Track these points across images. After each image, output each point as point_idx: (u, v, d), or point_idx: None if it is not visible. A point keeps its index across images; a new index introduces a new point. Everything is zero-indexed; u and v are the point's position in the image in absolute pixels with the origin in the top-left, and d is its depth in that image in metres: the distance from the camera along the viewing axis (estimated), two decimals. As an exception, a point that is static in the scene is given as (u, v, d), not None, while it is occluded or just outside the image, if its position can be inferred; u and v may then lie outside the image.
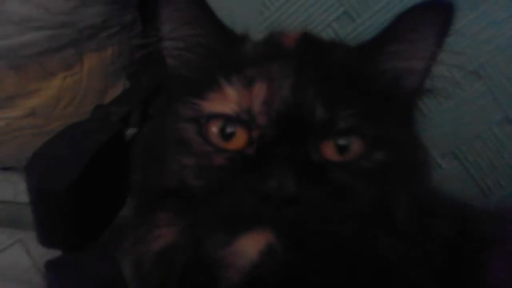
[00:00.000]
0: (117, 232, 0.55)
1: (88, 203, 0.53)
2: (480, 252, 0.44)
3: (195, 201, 0.40)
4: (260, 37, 0.47)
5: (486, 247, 0.44)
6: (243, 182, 0.38)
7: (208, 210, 0.39)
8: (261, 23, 0.65)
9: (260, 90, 0.40)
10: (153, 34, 0.45)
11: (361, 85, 0.41)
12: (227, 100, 0.40)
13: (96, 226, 0.56)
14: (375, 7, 0.64)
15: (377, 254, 0.40)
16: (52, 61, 0.85)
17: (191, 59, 0.45)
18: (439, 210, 0.45)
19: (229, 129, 0.40)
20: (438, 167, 0.68)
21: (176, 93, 0.44)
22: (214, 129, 0.41)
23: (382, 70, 0.44)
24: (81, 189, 0.51)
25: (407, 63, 0.44)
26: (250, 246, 0.38)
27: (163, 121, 0.45)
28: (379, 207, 0.40)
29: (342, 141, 0.40)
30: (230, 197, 0.38)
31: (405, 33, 0.43)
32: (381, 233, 0.40)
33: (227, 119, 0.40)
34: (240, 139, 0.40)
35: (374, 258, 0.40)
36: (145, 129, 0.49)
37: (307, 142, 0.39)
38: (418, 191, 0.43)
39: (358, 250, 0.39)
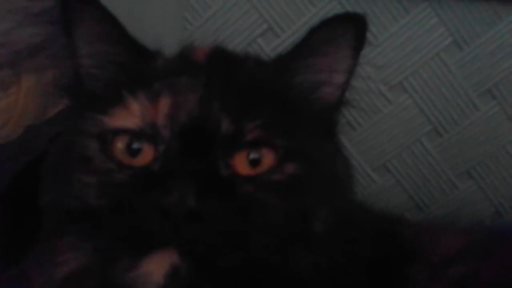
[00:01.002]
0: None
1: (9, 226, 0.51)
2: (406, 266, 0.44)
3: (99, 223, 0.38)
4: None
5: (413, 261, 0.44)
6: (145, 199, 0.36)
7: (113, 231, 0.38)
8: (184, 39, 0.63)
9: (164, 103, 0.39)
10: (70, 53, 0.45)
11: (272, 97, 0.41)
12: (131, 114, 0.39)
13: (18, 249, 0.53)
14: (299, 23, 0.63)
15: (290, 270, 0.39)
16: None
17: (98, 76, 0.44)
18: (363, 224, 0.44)
19: (135, 145, 0.39)
20: (371, 180, 0.68)
21: (81, 109, 0.43)
22: (119, 145, 0.40)
23: (297, 83, 0.43)
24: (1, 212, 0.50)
25: (321, 76, 0.44)
26: (155, 268, 0.37)
27: (69, 138, 0.43)
28: (294, 221, 0.39)
29: (253, 155, 0.39)
30: (133, 216, 0.37)
31: (319, 46, 0.43)
32: (296, 248, 0.39)
33: (133, 135, 0.39)
34: (146, 154, 0.39)
35: (287, 274, 0.39)
36: (53, 146, 0.47)
37: (215, 156, 0.38)
38: (340, 205, 0.42)
39: (269, 267, 0.38)
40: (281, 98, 0.42)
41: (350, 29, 0.43)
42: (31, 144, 0.61)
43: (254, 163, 0.39)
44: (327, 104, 0.45)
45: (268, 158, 0.39)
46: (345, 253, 0.41)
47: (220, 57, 0.45)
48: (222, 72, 0.42)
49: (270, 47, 0.64)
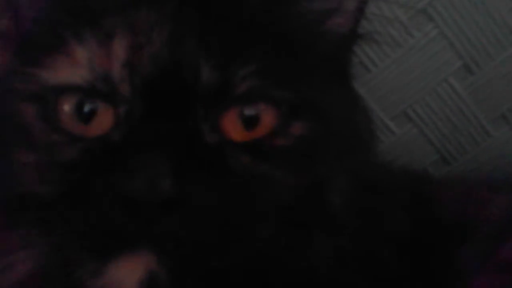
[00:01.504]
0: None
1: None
2: (452, 245, 0.37)
3: (51, 213, 0.31)
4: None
5: (460, 237, 0.37)
6: (103, 183, 0.29)
7: (67, 226, 0.30)
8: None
9: (120, 46, 0.31)
10: None
11: (268, 33, 0.33)
12: (75, 65, 0.31)
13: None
14: None
15: (306, 262, 0.32)
16: None
17: (35, 16, 0.35)
18: (389, 190, 0.38)
19: (87, 107, 0.31)
20: (388, 131, 0.59)
21: (14, 62, 0.35)
22: (66, 107, 0.32)
23: (300, 13, 0.36)
24: None
25: (331, 2, 0.36)
26: (126, 274, 0.29)
27: (2, 102, 0.35)
28: (307, 198, 0.32)
29: (248, 111, 0.31)
30: (89, 207, 0.29)
31: None
32: (311, 232, 0.33)
33: (84, 93, 0.31)
34: (103, 119, 0.31)
35: (302, 269, 0.32)
36: None
37: (195, 117, 0.30)
38: (360, 169, 0.36)
39: (277, 262, 0.31)
40: (280, 34, 0.34)
41: None
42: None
43: (250, 124, 0.32)
44: (338, 40, 0.37)
45: (268, 117, 0.32)
46: (372, 230, 0.34)
47: None
48: (196, 0, 0.33)
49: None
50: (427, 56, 0.55)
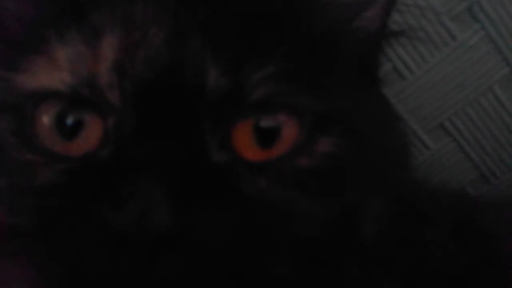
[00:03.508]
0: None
1: None
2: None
3: (26, 245, 0.27)
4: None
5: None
6: (87, 213, 0.25)
7: (50, 261, 0.26)
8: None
9: (109, 46, 0.26)
10: None
11: (287, 29, 0.28)
12: (57, 67, 0.27)
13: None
14: None
15: None
16: None
17: (9, 10, 0.30)
18: (436, 217, 0.34)
19: (70, 118, 0.27)
20: (423, 146, 0.53)
21: None
22: (45, 119, 0.27)
23: (325, 4, 0.31)
24: None
25: None
26: None
27: None
28: (334, 227, 0.28)
29: (265, 122, 0.27)
30: (73, 242, 0.25)
31: None
32: (340, 267, 0.29)
33: (67, 101, 0.27)
34: (89, 134, 0.27)
35: None
36: None
37: (200, 131, 0.26)
38: (398, 191, 0.32)
39: None
40: (302, 32, 0.29)
41: None
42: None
43: (268, 139, 0.27)
44: (368, 39, 0.33)
45: (289, 131, 0.27)
46: (417, 265, 0.30)
47: None
48: None
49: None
50: (470, 62, 0.50)
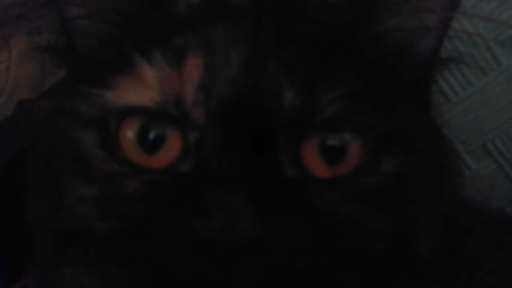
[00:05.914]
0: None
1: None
2: None
3: (108, 252, 0.28)
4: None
5: None
6: (172, 222, 0.26)
7: (126, 268, 0.28)
8: None
9: (194, 67, 0.28)
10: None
11: (352, 53, 0.30)
12: (144, 85, 0.29)
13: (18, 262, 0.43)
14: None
15: None
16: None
17: (93, 31, 0.33)
18: (488, 235, 0.35)
19: (152, 133, 0.29)
20: (464, 166, 0.54)
21: (72, 82, 0.32)
22: (129, 134, 0.29)
23: (382, 31, 0.32)
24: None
25: (415, 17, 0.32)
26: None
27: (56, 126, 0.32)
28: (392, 243, 0.29)
29: (332, 141, 0.29)
30: (154, 249, 0.27)
31: None
32: (396, 282, 0.29)
33: (149, 116, 0.29)
34: (170, 148, 0.29)
35: None
36: (42, 138, 0.35)
37: (275, 148, 0.28)
38: (450, 209, 0.33)
39: None
40: (365, 54, 0.30)
41: None
42: (22, 125, 0.51)
43: (334, 157, 0.28)
44: (424, 63, 0.34)
45: (355, 149, 0.29)
46: (471, 282, 0.32)
47: None
48: (276, 17, 0.30)
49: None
50: (513, 86, 0.51)
